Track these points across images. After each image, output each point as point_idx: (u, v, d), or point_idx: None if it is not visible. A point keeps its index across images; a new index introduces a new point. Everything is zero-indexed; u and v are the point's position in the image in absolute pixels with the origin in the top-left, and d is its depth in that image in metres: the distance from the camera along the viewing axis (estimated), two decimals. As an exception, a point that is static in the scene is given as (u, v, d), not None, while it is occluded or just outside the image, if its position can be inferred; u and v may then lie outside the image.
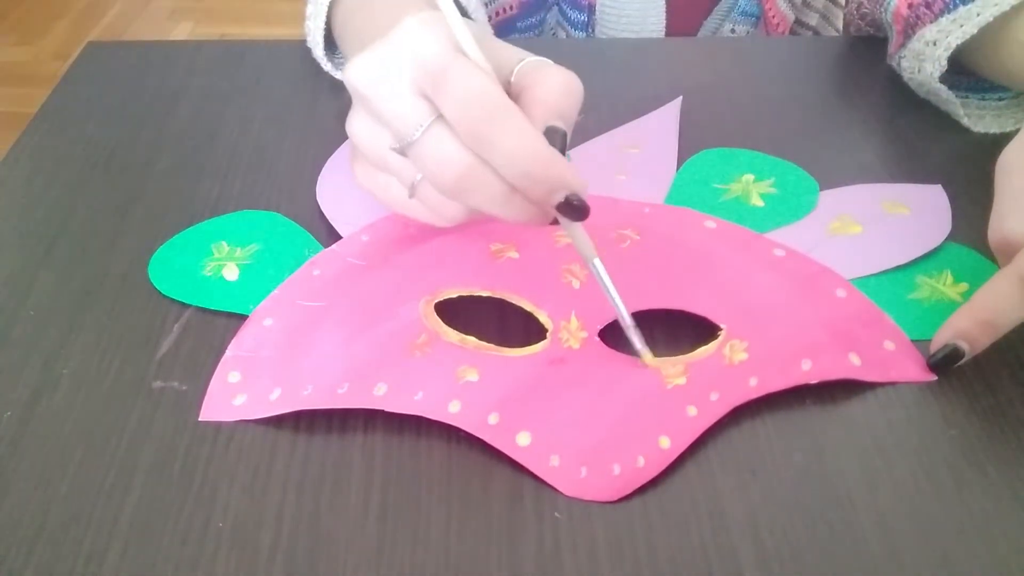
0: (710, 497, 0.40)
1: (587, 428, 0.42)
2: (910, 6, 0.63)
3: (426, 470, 0.41)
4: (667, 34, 0.82)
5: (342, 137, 0.62)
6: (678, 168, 0.59)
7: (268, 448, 0.42)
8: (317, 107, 0.66)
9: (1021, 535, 0.39)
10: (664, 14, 0.81)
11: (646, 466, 0.41)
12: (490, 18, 0.83)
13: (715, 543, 0.39)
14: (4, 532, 0.39)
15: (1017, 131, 0.52)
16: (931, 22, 0.61)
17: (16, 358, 0.47)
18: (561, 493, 0.40)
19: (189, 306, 0.49)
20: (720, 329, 0.46)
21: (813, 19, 0.89)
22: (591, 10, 0.81)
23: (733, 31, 0.84)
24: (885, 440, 0.43)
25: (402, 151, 0.42)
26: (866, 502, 0.40)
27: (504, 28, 0.85)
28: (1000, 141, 0.61)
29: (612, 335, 0.46)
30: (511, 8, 0.83)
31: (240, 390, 0.45)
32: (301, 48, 0.75)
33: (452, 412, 0.42)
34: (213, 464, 0.42)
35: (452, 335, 0.46)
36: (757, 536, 0.39)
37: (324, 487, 0.41)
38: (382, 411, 0.43)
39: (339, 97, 0.67)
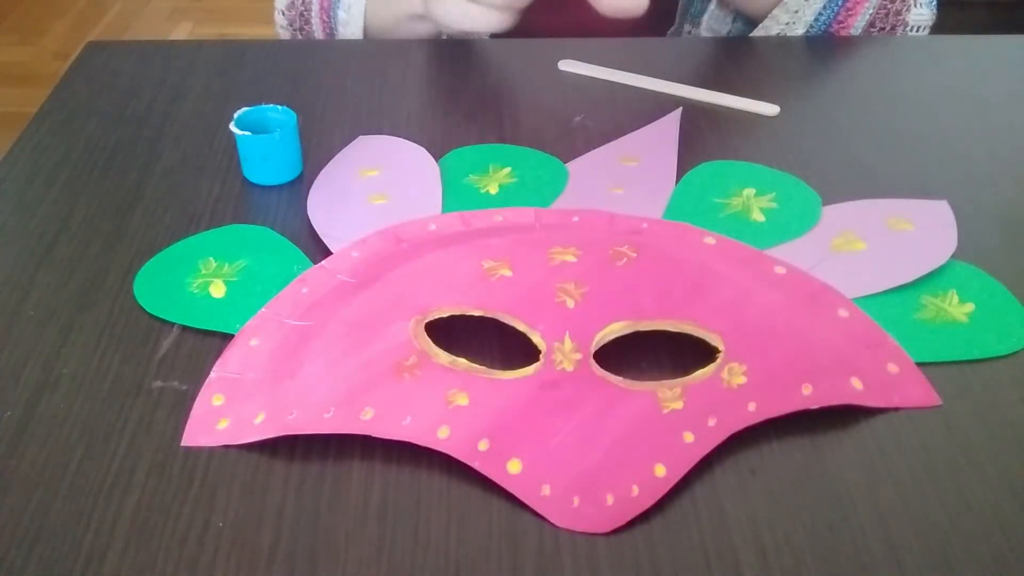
0: (710, 497, 0.40)
1: (580, 455, 0.41)
2: None
3: (426, 470, 0.41)
4: None
5: (341, 136, 0.62)
6: (677, 181, 0.58)
7: (268, 448, 0.42)
8: (317, 106, 0.66)
9: (1021, 535, 0.39)
10: None
11: (640, 495, 0.40)
12: None
13: (715, 543, 0.39)
14: (4, 532, 0.39)
15: None
16: None
17: (16, 358, 0.47)
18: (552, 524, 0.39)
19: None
20: (719, 351, 0.45)
21: None
22: None
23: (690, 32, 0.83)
24: (885, 440, 0.43)
25: None
26: (866, 502, 0.40)
27: None
28: (1004, 152, 0.62)
29: (607, 357, 0.45)
30: None
31: (224, 414, 0.44)
32: (301, 48, 0.75)
33: (441, 438, 0.41)
34: (213, 464, 0.42)
35: (442, 356, 0.45)
36: (757, 536, 0.39)
37: (324, 487, 0.41)
38: (382, 411, 0.43)
39: (339, 97, 0.67)
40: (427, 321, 0.47)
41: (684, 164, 0.59)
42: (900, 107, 0.66)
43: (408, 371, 0.44)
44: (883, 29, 0.74)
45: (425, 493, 0.41)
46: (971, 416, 0.44)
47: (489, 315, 0.47)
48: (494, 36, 0.80)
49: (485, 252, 0.50)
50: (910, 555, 0.38)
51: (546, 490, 0.40)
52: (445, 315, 0.47)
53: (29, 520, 0.40)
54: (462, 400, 0.43)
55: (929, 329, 0.48)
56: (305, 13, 0.79)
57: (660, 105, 0.65)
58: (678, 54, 0.74)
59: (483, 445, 0.41)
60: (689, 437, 0.42)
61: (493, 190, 0.57)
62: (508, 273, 0.49)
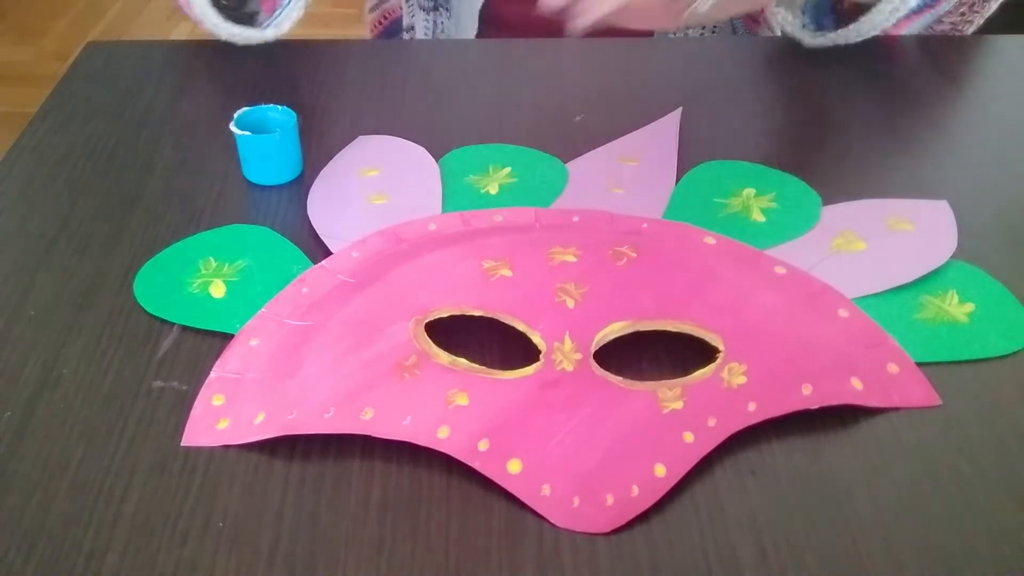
0: (710, 497, 0.40)
1: (580, 455, 0.41)
2: None
3: (426, 470, 0.41)
4: None
5: (341, 136, 0.62)
6: (677, 181, 0.58)
7: (268, 448, 0.42)
8: (317, 106, 0.66)
9: (1021, 535, 0.39)
10: None
11: (640, 495, 0.40)
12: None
13: (715, 543, 0.39)
14: (4, 532, 0.39)
15: None
16: None
17: (16, 358, 0.47)
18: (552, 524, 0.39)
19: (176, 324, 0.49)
20: (719, 351, 0.45)
21: None
22: None
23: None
24: (885, 440, 0.43)
25: None
26: (866, 502, 0.40)
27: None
28: (1009, 157, 0.62)
29: (607, 357, 0.45)
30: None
31: (224, 414, 0.44)
32: (301, 48, 0.75)
33: (441, 438, 0.41)
34: (213, 464, 0.42)
35: (442, 356, 0.45)
36: (757, 536, 0.39)
37: (324, 487, 0.41)
38: (382, 411, 0.43)
39: (339, 97, 0.67)
40: (427, 321, 0.47)
41: (684, 164, 0.59)
42: (900, 107, 0.66)
43: (408, 371, 0.44)
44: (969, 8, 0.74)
45: (425, 493, 0.41)
46: (971, 416, 0.44)
47: (489, 315, 0.47)
48: (488, 35, 0.80)
49: (485, 252, 0.50)
50: (910, 555, 0.38)
51: (546, 490, 0.40)
52: (445, 315, 0.47)
53: (29, 520, 0.40)
54: (462, 400, 0.43)
55: (929, 329, 0.48)
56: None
57: (660, 105, 0.65)
58: (678, 54, 0.74)
59: (483, 445, 0.41)
60: (689, 437, 0.42)
61: (493, 190, 0.57)
62: (508, 273, 0.49)
